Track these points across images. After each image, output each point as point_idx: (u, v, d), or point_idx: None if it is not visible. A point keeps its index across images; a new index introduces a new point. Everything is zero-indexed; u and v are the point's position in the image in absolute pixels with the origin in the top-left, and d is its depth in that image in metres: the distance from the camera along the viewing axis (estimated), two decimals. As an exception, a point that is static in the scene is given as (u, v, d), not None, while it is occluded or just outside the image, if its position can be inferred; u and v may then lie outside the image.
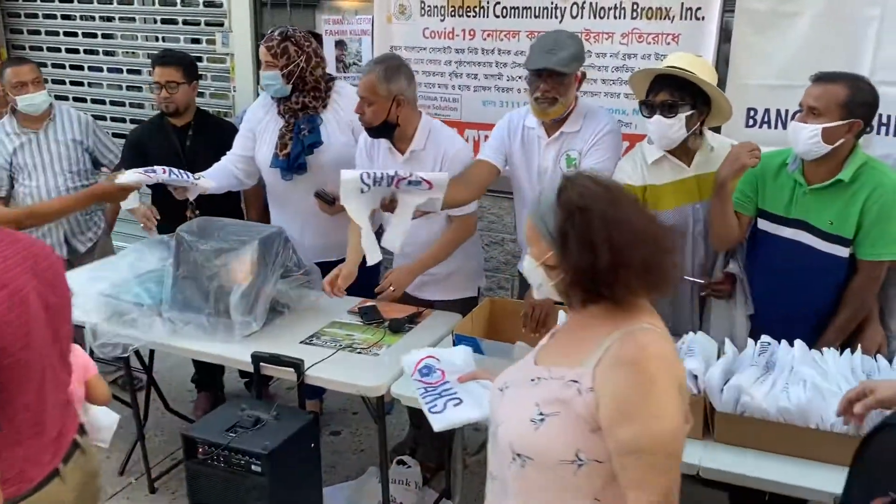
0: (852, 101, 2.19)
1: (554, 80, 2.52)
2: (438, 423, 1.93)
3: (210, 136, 3.37)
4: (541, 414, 1.38)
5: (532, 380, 1.46)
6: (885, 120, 2.96)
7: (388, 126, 2.74)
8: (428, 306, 2.97)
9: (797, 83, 3.01)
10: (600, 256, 1.34)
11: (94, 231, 3.76)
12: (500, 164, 2.76)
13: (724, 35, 3.22)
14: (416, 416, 3.13)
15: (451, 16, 3.70)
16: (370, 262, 2.60)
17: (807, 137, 2.22)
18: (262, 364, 2.49)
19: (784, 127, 3.16)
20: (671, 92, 2.37)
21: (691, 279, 2.49)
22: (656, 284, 1.40)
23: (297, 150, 2.99)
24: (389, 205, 2.52)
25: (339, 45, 4.03)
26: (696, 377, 2.07)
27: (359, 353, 2.54)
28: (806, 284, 2.36)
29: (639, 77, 2.50)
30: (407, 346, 2.57)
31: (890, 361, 2.10)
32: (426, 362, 2.08)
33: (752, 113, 3.20)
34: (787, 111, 3.15)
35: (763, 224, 2.45)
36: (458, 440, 2.53)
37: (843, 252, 2.31)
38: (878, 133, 2.95)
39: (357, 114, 2.75)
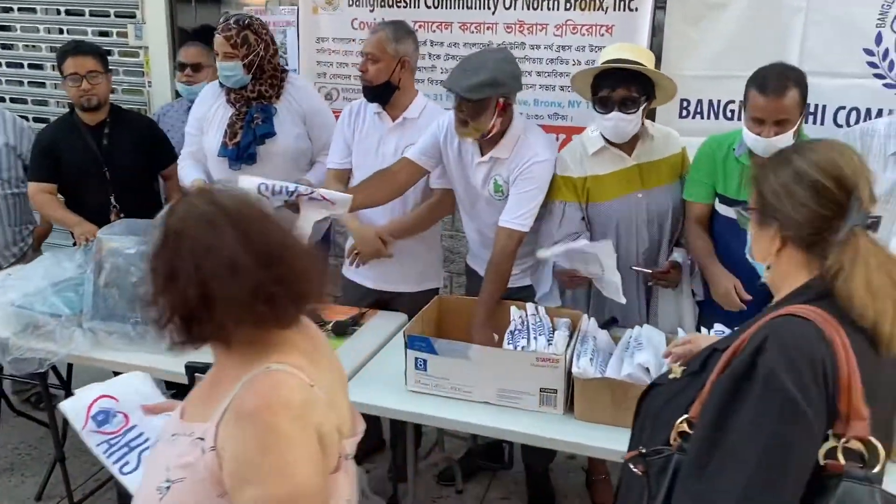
0: (804, 96, 2.27)
1: (464, 104, 2.41)
2: (134, 485, 1.54)
3: (129, 133, 3.15)
4: (167, 480, 1.21)
5: (172, 435, 1.28)
6: (812, 109, 3.04)
7: (388, 87, 2.70)
8: (391, 299, 2.89)
9: (729, 73, 3.11)
10: (187, 288, 1.16)
11: (20, 247, 3.44)
12: (429, 166, 2.65)
13: (655, 27, 3.23)
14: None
15: (381, 6, 3.59)
16: None
17: (784, 146, 2.27)
18: (197, 375, 2.32)
19: (717, 117, 3.21)
20: (628, 87, 2.34)
21: (638, 269, 2.48)
22: (271, 318, 1.21)
23: (247, 140, 2.89)
24: (293, 206, 2.41)
25: (263, 37, 3.86)
26: (648, 370, 2.05)
27: (302, 358, 2.41)
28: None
29: (583, 73, 2.46)
30: (353, 349, 2.47)
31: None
32: (100, 405, 1.68)
33: (685, 104, 3.23)
34: (718, 101, 3.20)
35: (718, 206, 2.50)
36: (411, 444, 2.43)
37: None
38: (807, 122, 3.01)
39: (360, 71, 2.72)
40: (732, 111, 3.17)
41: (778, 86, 2.24)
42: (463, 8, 3.47)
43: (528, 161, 2.48)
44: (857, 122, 2.98)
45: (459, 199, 2.76)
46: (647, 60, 2.40)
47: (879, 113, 2.94)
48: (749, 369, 1.12)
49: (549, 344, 2.17)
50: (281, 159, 2.94)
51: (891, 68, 2.92)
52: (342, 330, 2.57)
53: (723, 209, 2.49)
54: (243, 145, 2.90)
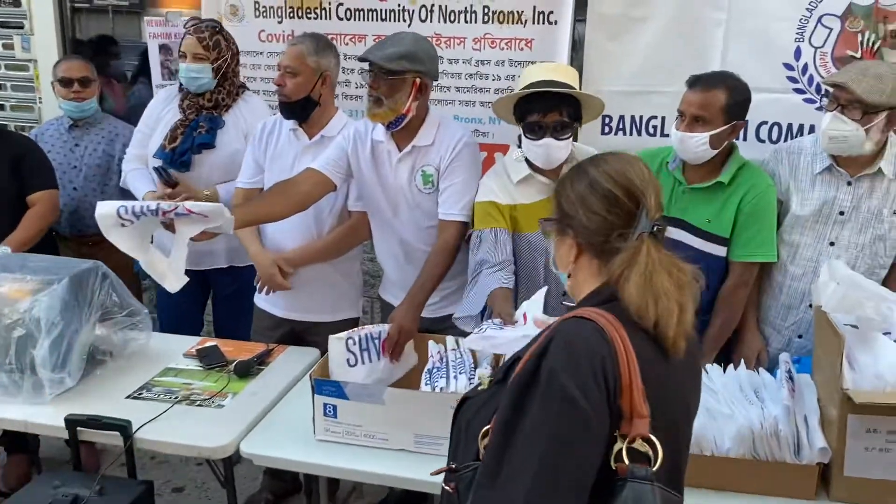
0: (733, 104, 2.21)
1: (379, 78, 2.30)
2: None
3: (6, 154, 2.87)
4: None
5: None
6: (733, 123, 2.99)
7: (308, 103, 2.57)
8: (306, 330, 2.72)
9: (651, 89, 3.03)
10: None
11: None
12: (336, 178, 2.47)
13: (576, 41, 3.13)
14: (272, 465, 2.80)
15: (290, 17, 3.39)
16: (170, 289, 2.17)
17: (696, 147, 2.23)
18: (79, 429, 2.07)
19: (639, 133, 3.13)
20: (560, 111, 2.19)
21: (570, 305, 2.33)
22: None
23: (185, 146, 2.86)
24: (171, 226, 2.12)
25: (164, 49, 3.61)
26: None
27: (199, 405, 2.18)
28: None
29: (510, 98, 2.30)
30: (256, 393, 2.25)
31: (769, 370, 2.05)
32: None
33: (607, 120, 3.13)
34: (641, 117, 3.11)
35: None
36: (324, 495, 2.23)
37: (721, 251, 2.32)
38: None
39: (277, 85, 2.58)
40: (655, 127, 3.10)
41: (706, 83, 2.22)
42: (377, 20, 3.30)
43: (457, 142, 2.40)
44: (778, 136, 2.94)
45: (378, 213, 2.58)
46: (572, 80, 2.28)
47: (801, 128, 2.91)
48: (534, 372, 1.13)
49: (471, 383, 2.01)
50: (216, 171, 2.90)
51: (810, 83, 2.89)
52: (245, 371, 2.34)
53: None
54: (179, 151, 2.87)
